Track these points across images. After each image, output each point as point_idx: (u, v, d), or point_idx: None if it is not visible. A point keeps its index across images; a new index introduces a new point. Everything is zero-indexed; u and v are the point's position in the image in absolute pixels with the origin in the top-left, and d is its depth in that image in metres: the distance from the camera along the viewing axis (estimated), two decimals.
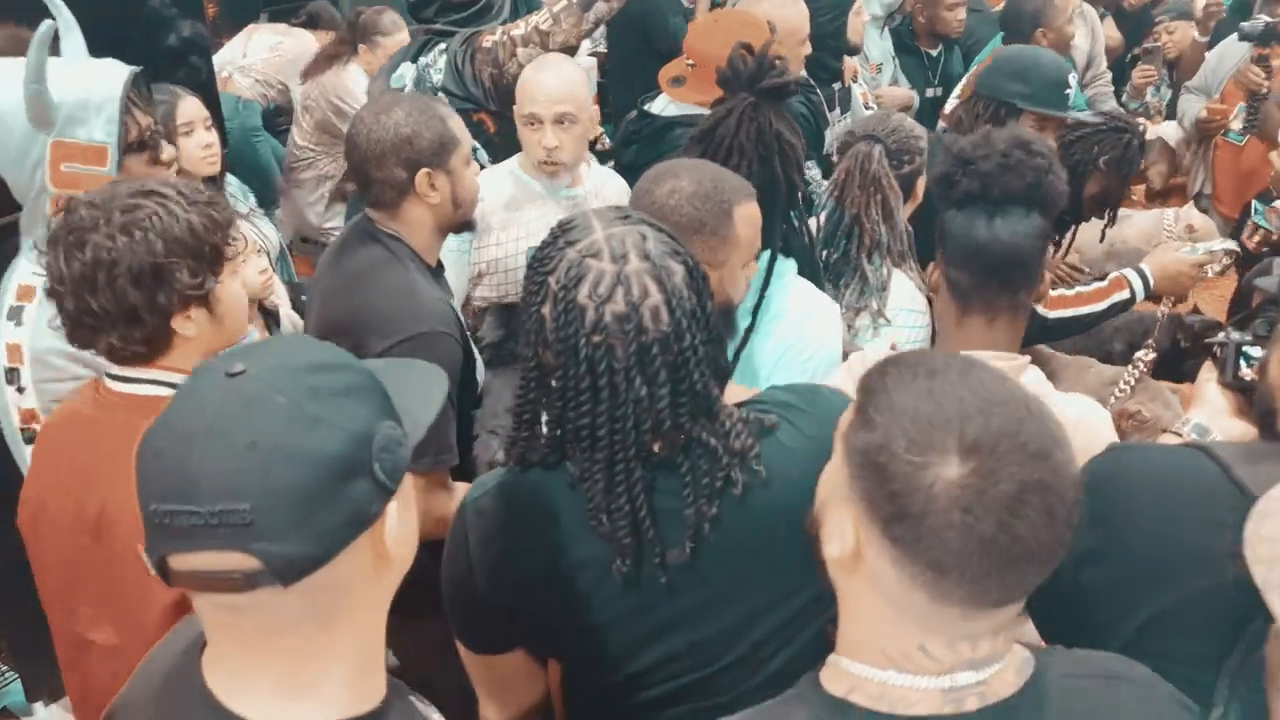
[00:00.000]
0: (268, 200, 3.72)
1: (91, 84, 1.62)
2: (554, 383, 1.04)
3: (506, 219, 2.22)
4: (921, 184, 2.02)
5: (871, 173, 1.91)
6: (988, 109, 2.28)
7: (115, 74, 1.65)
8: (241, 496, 0.72)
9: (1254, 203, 3.17)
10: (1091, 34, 3.91)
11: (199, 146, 2.35)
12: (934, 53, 3.75)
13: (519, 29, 2.35)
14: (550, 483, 1.09)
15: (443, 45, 2.43)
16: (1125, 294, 2.23)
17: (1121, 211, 3.37)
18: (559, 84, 2.12)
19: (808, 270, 1.76)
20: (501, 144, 2.41)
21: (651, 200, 1.41)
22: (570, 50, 2.36)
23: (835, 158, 2.12)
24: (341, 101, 3.67)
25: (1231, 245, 2.42)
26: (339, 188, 3.73)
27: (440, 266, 1.87)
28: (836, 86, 3.04)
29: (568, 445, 1.07)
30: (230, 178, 2.66)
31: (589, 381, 1.01)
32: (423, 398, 0.89)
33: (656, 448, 1.05)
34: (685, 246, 1.09)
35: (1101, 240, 2.88)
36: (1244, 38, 3.15)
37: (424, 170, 1.72)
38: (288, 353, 0.82)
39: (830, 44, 2.95)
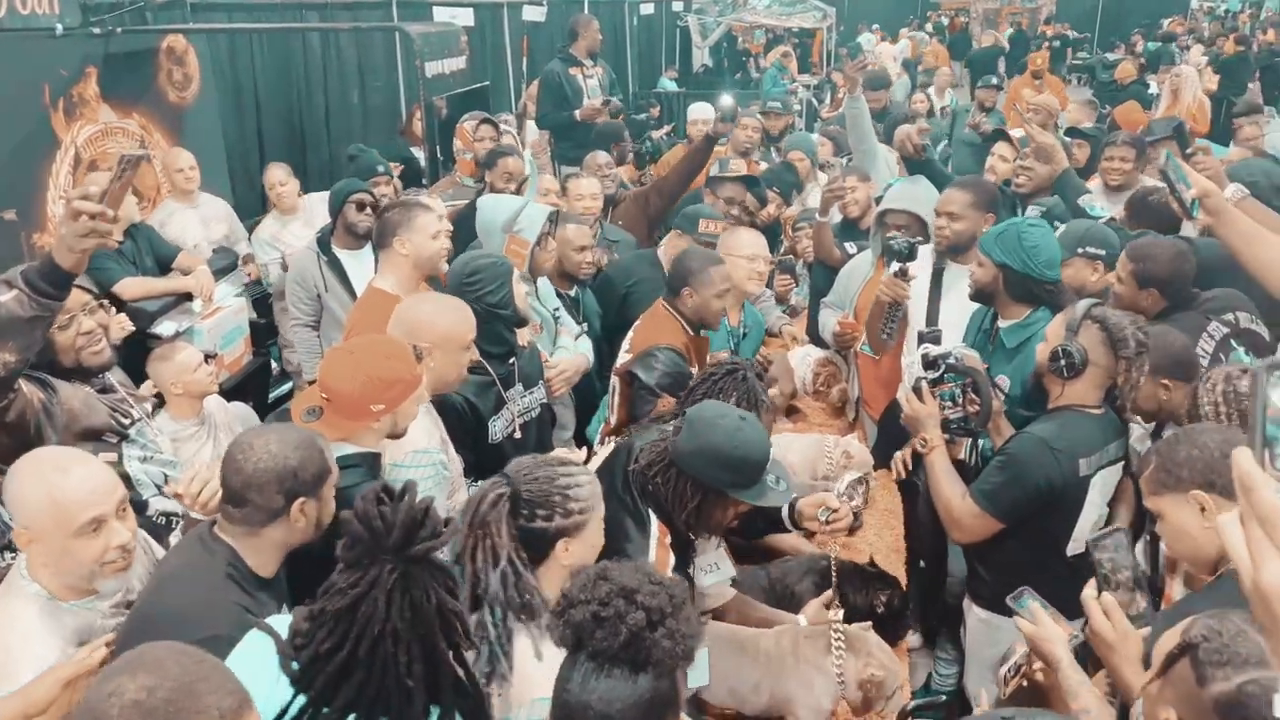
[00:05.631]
0: None
1: None
2: None
3: None
4: None
5: None
6: (695, 493, 2.09)
7: None
8: None
9: None
10: None
11: None
12: (571, 294, 3.74)
13: None
14: None
15: None
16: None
17: (785, 438, 3.46)
18: (97, 475, 1.82)
19: None
20: None
21: None
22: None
23: None
24: None
25: (855, 475, 2.63)
26: None
27: (275, 578, 1.83)
28: (513, 361, 2.86)
29: None
30: None
31: None
32: None
33: None
34: None
35: None
36: (892, 257, 3.17)
37: (300, 499, 1.77)
38: None
39: (502, 314, 2.78)
